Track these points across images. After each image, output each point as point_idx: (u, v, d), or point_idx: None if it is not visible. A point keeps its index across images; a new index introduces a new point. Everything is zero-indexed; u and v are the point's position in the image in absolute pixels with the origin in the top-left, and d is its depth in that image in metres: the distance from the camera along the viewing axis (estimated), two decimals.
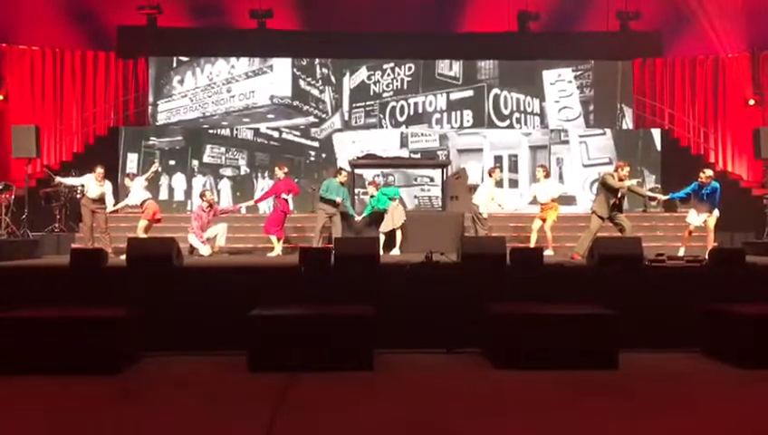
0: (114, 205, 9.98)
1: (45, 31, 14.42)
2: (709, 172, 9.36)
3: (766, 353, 5.02)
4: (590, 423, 3.72)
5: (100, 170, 9.80)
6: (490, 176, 10.63)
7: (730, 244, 10.37)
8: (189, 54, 15.38)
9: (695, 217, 9.40)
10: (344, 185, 10.54)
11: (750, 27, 14.43)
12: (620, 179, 8.83)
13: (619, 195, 8.86)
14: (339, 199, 10.28)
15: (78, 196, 11.05)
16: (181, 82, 15.38)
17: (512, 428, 3.66)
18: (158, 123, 15.18)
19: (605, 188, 8.87)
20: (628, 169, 9.06)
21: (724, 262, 6.23)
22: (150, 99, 15.31)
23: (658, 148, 14.73)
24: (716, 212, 9.32)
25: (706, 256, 6.66)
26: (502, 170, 11.05)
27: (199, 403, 4.15)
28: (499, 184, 14.33)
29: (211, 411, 3.97)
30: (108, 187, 9.86)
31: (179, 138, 14.75)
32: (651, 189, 13.20)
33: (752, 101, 14.60)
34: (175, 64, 15.41)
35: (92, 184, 9.78)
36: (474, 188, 11.50)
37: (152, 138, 14.66)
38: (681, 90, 15.61)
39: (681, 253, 8.77)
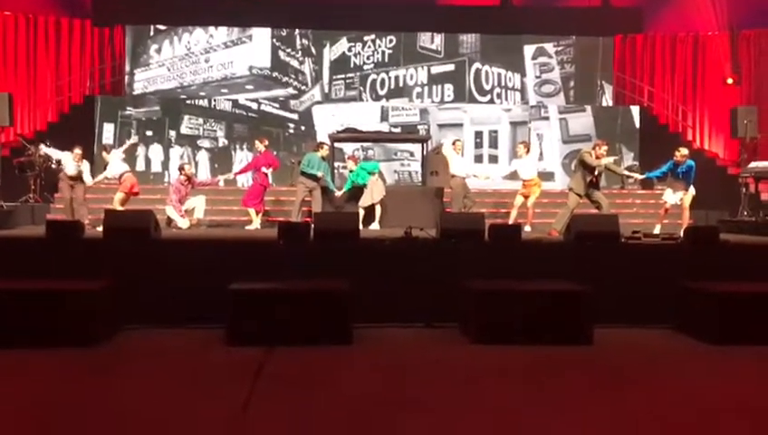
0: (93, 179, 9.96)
1: None
2: (684, 151, 9.43)
3: (737, 330, 5.13)
4: (563, 396, 3.79)
5: (77, 151, 9.74)
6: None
7: (705, 222, 10.50)
8: (167, 23, 15.11)
9: (670, 196, 9.50)
10: (325, 159, 10.49)
11: (730, 6, 14.50)
12: (598, 157, 8.91)
13: (596, 173, 8.94)
14: (320, 174, 10.23)
15: (53, 166, 10.90)
16: (158, 51, 15.12)
17: (486, 400, 3.71)
18: (134, 93, 14.95)
19: (582, 165, 8.93)
20: (605, 147, 9.13)
21: (698, 240, 6.33)
22: (127, 68, 15.04)
23: (637, 125, 14.81)
24: (692, 190, 9.42)
25: (681, 234, 6.76)
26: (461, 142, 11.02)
27: (177, 376, 4.16)
28: (478, 159, 14.52)
29: (188, 385, 3.98)
30: (85, 166, 9.82)
31: (156, 108, 14.53)
32: (629, 167, 13.31)
33: (730, 80, 14.72)
34: (152, 33, 15.14)
35: (70, 163, 9.70)
36: None
37: (129, 108, 14.42)
38: (661, 67, 15.66)
39: (657, 230, 8.88)
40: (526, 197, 10.19)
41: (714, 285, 5.42)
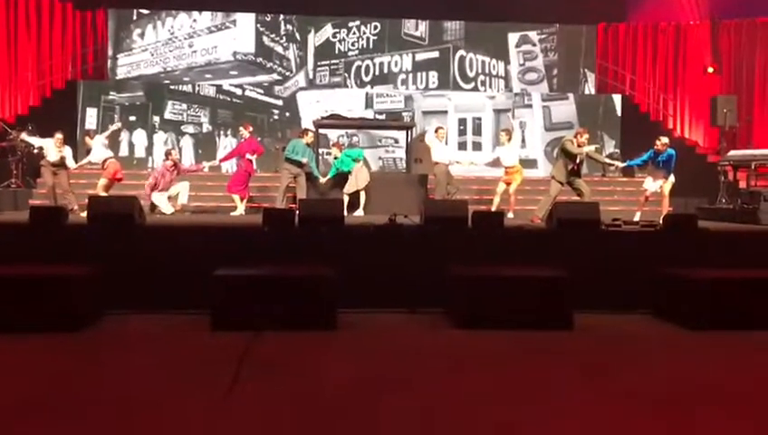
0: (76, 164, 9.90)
1: None
2: (665, 140, 9.58)
3: (714, 315, 5.24)
4: (544, 378, 3.87)
5: (59, 136, 9.65)
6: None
7: (684, 209, 10.65)
8: (150, 7, 14.98)
9: (651, 184, 9.65)
10: (310, 146, 10.50)
11: None
12: (579, 145, 9.01)
13: (578, 161, 9.04)
14: (305, 160, 10.25)
15: (35, 151, 10.81)
16: (142, 35, 15.00)
17: (468, 382, 3.79)
18: (117, 78, 14.83)
19: (564, 153, 9.03)
20: (587, 135, 9.24)
21: (677, 227, 6.44)
22: (110, 52, 14.91)
23: (619, 113, 14.93)
24: (672, 178, 9.57)
25: (661, 222, 6.87)
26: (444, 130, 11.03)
27: (161, 362, 4.18)
28: (462, 146, 14.58)
29: (173, 370, 4.01)
30: (67, 151, 9.73)
31: (140, 93, 14.41)
32: (610, 155, 13.46)
33: (710, 70, 14.89)
34: (135, 17, 15.00)
35: (51, 149, 9.61)
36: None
37: (112, 92, 14.30)
38: (643, 56, 15.79)
39: (637, 218, 9.01)
40: (508, 184, 10.30)
41: (692, 272, 5.52)
